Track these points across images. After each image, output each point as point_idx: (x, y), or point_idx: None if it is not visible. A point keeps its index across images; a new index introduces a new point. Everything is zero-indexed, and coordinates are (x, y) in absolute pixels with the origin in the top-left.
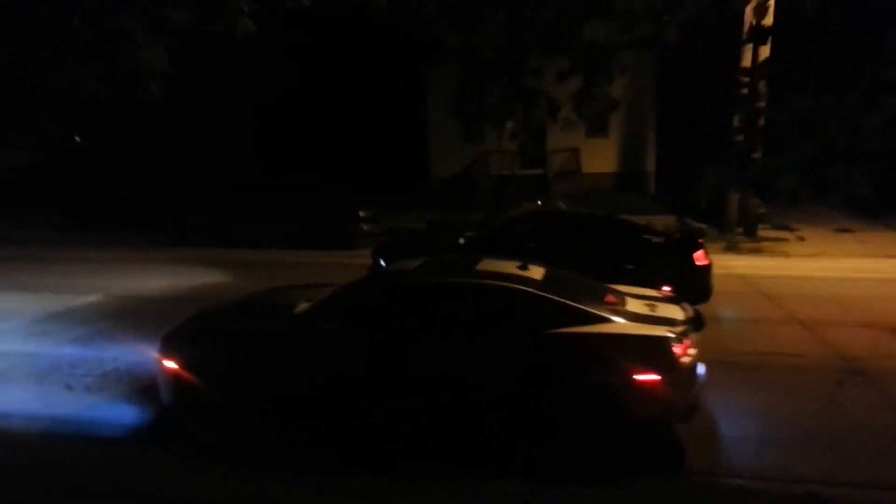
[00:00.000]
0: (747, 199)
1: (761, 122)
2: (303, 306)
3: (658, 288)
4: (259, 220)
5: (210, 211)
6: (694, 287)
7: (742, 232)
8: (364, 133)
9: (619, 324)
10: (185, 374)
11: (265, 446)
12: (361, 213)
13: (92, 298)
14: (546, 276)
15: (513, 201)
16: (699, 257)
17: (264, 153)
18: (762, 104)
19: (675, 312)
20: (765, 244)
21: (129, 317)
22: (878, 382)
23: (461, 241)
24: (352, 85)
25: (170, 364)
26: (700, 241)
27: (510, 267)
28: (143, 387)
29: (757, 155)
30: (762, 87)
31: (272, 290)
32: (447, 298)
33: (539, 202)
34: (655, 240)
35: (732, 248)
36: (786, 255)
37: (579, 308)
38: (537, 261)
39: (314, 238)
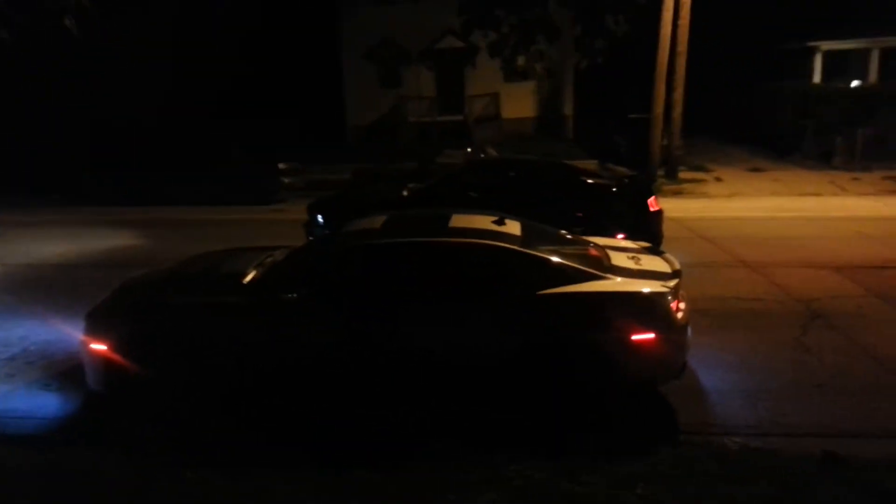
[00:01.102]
0: (669, 141)
1: (681, 64)
2: (252, 274)
3: (612, 235)
4: (170, 177)
5: (115, 168)
6: (647, 233)
7: (664, 174)
8: (275, 81)
9: (611, 281)
10: (118, 358)
11: (216, 439)
12: (281, 166)
13: None
14: (525, 231)
15: (435, 148)
16: (652, 203)
17: (169, 104)
18: (681, 49)
19: (660, 265)
20: (686, 185)
21: (34, 288)
22: (839, 325)
23: (404, 192)
24: (263, 31)
25: (98, 346)
26: (652, 186)
27: (485, 222)
28: (61, 371)
29: (678, 96)
30: (682, 29)
31: (205, 255)
32: (424, 260)
33: (468, 149)
34: (606, 186)
35: (656, 191)
36: (707, 195)
37: (569, 265)
38: (483, 211)
39: (230, 194)
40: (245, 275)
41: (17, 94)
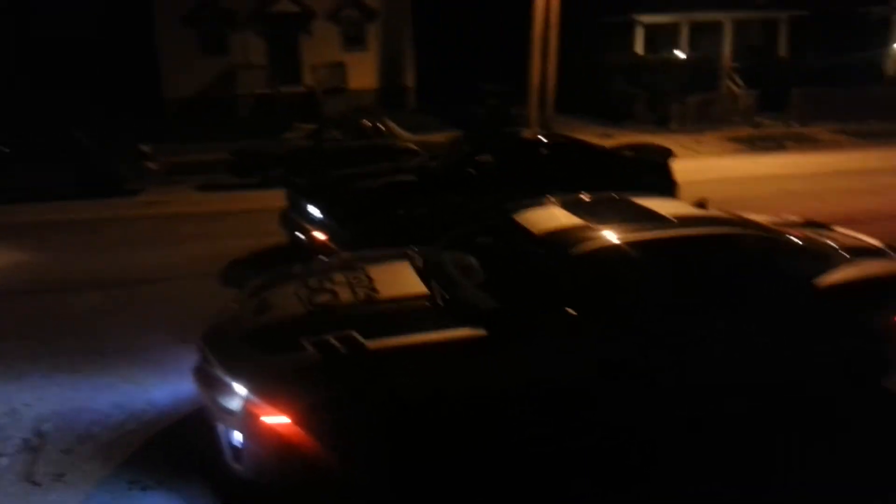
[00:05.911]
0: (543, 112)
1: (554, 37)
2: (446, 293)
3: None
4: None
5: None
6: None
7: None
8: (73, 47)
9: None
10: (304, 436)
11: None
12: (144, 148)
13: None
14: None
15: (284, 121)
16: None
17: None
18: (553, 21)
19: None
20: None
21: None
22: None
23: (414, 177)
24: None
25: (275, 419)
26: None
27: (684, 207)
28: (131, 457)
29: (551, 69)
30: (554, 2)
31: (301, 274)
32: (693, 261)
33: (365, 121)
34: (637, 158)
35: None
36: None
37: (826, 246)
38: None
39: (71, 184)
40: (431, 294)
41: None
